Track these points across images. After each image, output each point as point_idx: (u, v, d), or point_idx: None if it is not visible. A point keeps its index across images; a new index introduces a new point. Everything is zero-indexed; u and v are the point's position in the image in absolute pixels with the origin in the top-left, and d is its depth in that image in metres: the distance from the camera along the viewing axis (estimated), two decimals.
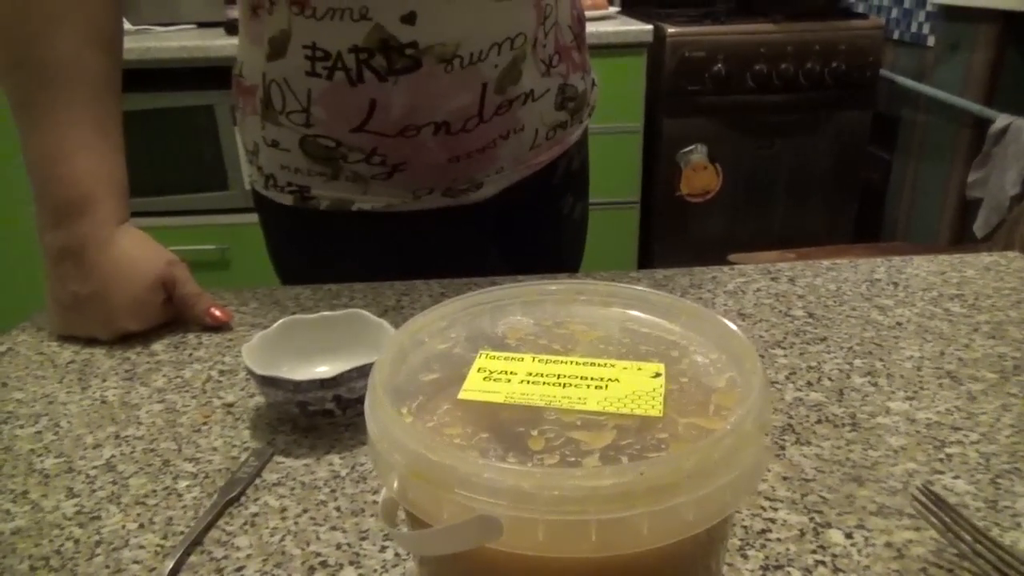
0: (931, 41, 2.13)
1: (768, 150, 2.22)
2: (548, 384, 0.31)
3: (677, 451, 0.27)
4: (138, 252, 0.66)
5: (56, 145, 0.63)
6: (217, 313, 0.67)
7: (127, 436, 0.53)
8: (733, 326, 0.33)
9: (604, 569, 0.26)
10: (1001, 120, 1.82)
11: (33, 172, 0.64)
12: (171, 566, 0.40)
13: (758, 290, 0.72)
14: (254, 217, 0.87)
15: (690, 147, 2.15)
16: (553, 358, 0.33)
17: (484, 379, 0.32)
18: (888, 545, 0.41)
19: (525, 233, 0.89)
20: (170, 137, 2.00)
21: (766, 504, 0.44)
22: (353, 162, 0.73)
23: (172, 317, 0.69)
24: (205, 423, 0.54)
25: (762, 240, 2.25)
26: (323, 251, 0.81)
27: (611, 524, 0.24)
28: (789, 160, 2.25)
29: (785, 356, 0.60)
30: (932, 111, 2.15)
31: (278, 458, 0.50)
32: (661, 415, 0.29)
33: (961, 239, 2.07)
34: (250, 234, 1.37)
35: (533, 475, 0.25)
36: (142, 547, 0.43)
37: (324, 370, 0.56)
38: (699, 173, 2.14)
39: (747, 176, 2.24)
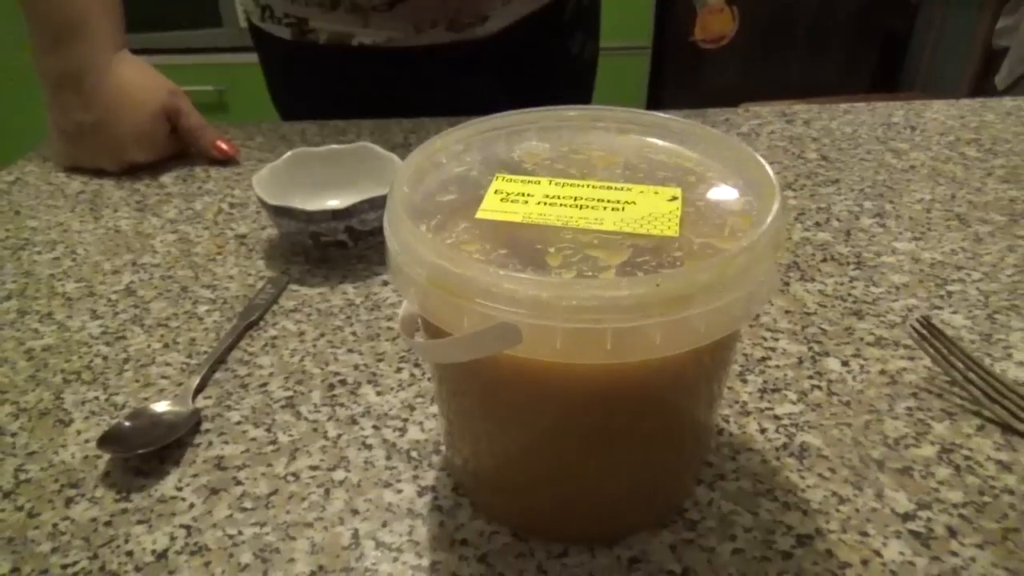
0: None
1: None
2: (565, 206, 0.32)
3: (692, 266, 0.28)
4: (140, 79, 0.64)
5: None
6: (224, 146, 0.66)
7: (144, 264, 0.54)
8: (753, 152, 0.33)
9: (617, 376, 0.28)
10: None
11: None
12: (198, 381, 0.42)
13: (772, 132, 0.70)
14: (252, 57, 0.84)
15: None
16: (570, 181, 0.33)
17: (501, 200, 0.32)
18: (882, 372, 0.42)
19: (533, 73, 0.86)
20: None
21: (767, 335, 0.46)
22: None
23: (178, 150, 0.68)
24: (219, 253, 0.55)
25: (776, 91, 2.17)
26: (324, 89, 0.79)
27: (626, 332, 0.25)
28: (810, 2, 2.13)
29: (795, 198, 0.60)
30: None
31: (293, 286, 0.51)
32: (677, 235, 0.30)
33: (981, 92, 2.00)
34: (248, 74, 1.32)
35: (552, 285, 0.26)
36: (168, 364, 0.45)
37: (335, 203, 0.57)
38: (715, 16, 2.03)
39: (765, 20, 2.13)
